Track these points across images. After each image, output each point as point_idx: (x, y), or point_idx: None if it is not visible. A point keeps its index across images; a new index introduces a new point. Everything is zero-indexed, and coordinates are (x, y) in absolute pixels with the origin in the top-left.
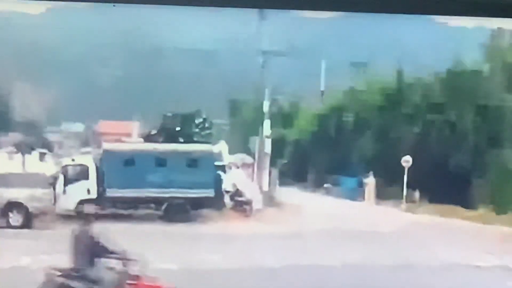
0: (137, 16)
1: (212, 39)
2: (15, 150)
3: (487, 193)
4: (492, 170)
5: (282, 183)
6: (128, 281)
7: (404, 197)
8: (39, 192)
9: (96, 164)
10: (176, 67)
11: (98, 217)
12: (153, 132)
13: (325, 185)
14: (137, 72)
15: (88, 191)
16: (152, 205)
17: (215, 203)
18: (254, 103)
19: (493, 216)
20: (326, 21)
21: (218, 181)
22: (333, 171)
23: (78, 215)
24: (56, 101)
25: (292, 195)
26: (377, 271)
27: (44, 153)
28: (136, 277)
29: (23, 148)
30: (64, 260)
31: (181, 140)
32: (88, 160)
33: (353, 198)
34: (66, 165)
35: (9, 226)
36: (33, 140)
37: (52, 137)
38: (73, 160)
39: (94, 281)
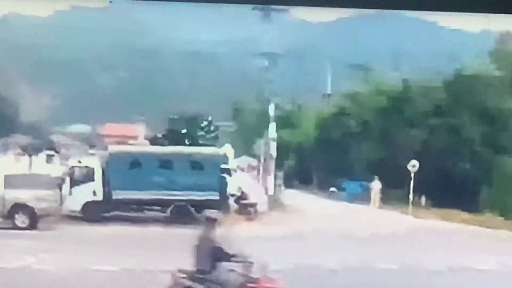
0: (141, 15)
1: (216, 42)
2: (22, 152)
3: (492, 198)
4: (498, 175)
5: (287, 186)
6: (249, 284)
7: (410, 202)
8: (45, 193)
9: (102, 166)
10: (180, 69)
11: (104, 219)
12: (159, 134)
13: (330, 189)
14: (144, 75)
15: (94, 192)
16: (158, 208)
17: (220, 205)
18: (259, 106)
19: (498, 221)
20: (329, 24)
21: (223, 184)
22: (339, 174)
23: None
24: (63, 104)
25: (297, 198)
26: (381, 275)
27: (51, 155)
28: (256, 279)
29: (30, 150)
30: (69, 259)
31: (187, 142)
32: (94, 162)
33: (358, 202)
34: (73, 167)
35: (15, 227)
36: (40, 142)
37: (58, 139)
38: (79, 162)
39: (219, 284)
